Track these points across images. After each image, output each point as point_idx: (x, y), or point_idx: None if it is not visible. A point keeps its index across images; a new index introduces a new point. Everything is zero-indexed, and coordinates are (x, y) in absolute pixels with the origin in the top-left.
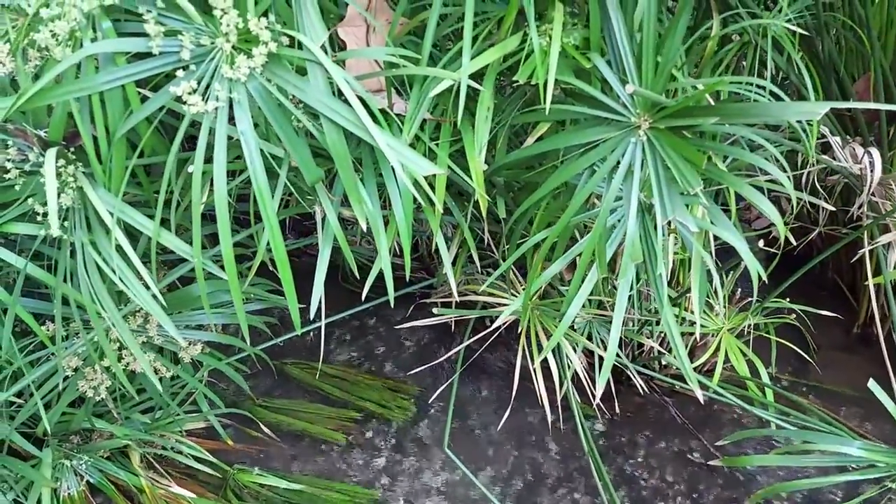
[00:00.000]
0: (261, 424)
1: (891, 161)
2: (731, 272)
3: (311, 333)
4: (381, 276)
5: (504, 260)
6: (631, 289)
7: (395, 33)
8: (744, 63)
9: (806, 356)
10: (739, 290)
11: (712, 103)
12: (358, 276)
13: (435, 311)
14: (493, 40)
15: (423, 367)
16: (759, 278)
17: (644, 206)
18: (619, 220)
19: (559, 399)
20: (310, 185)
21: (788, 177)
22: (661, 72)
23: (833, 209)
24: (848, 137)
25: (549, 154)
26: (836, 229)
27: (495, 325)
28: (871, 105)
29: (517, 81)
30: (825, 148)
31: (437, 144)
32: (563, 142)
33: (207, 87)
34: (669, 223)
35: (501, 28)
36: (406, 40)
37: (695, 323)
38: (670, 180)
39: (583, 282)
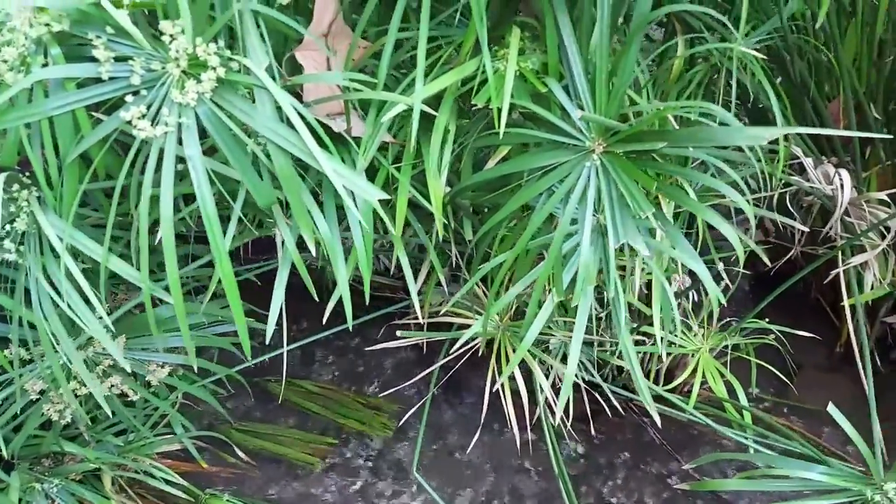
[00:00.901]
0: (236, 448)
1: (867, 181)
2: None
3: (297, 352)
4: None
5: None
6: (603, 309)
7: (357, 56)
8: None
9: (788, 379)
10: (719, 309)
11: (677, 127)
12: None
13: (399, 333)
14: (453, 64)
15: (403, 386)
16: (743, 297)
17: (602, 230)
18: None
19: (537, 420)
20: (263, 208)
21: (748, 199)
22: (614, 96)
23: (806, 229)
24: (823, 158)
25: (514, 176)
26: (816, 248)
27: (458, 346)
28: (839, 132)
29: (476, 105)
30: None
31: (398, 168)
32: (522, 165)
33: (159, 111)
34: (631, 247)
35: (461, 52)
36: (371, 63)
37: (672, 343)
38: (623, 204)
39: (541, 305)
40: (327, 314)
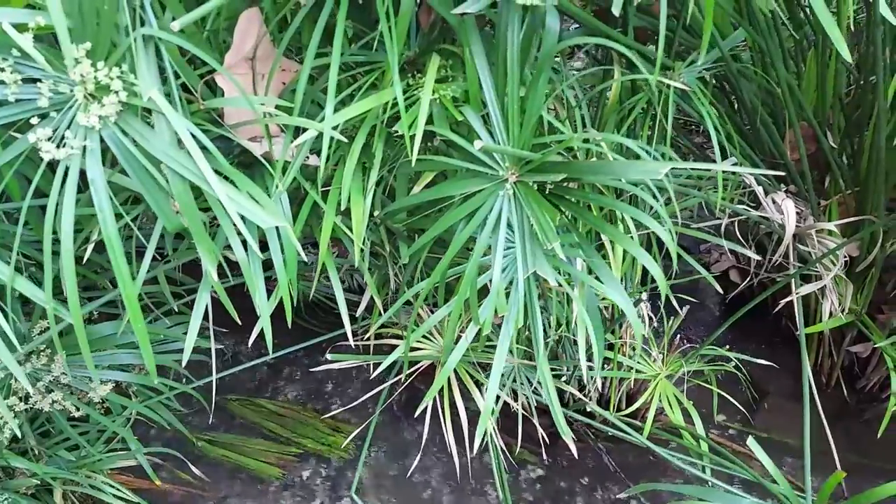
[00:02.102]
0: (192, 466)
1: (826, 210)
2: (673, 318)
3: (263, 367)
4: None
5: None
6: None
7: (288, 80)
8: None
9: (753, 406)
10: (679, 335)
11: (613, 158)
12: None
13: (329, 356)
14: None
15: (368, 406)
16: (713, 321)
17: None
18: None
19: (492, 442)
20: (170, 232)
21: (664, 229)
22: (525, 126)
23: (757, 258)
24: (782, 186)
25: (444, 200)
26: (776, 275)
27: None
28: (741, 171)
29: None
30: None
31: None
32: (442, 192)
33: (66, 133)
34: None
35: (383, 82)
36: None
37: (631, 368)
38: (533, 233)
39: (459, 332)
40: (270, 346)
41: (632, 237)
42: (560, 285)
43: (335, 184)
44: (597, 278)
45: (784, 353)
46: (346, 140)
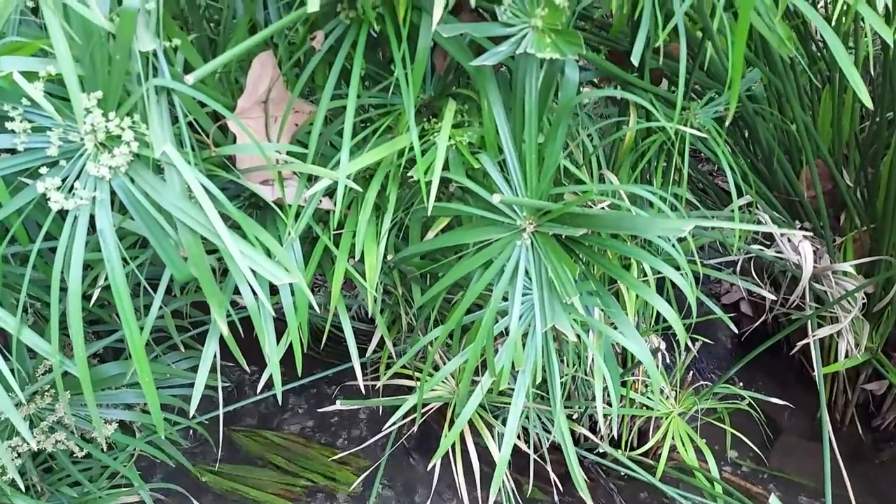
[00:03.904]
0: (194, 501)
1: (843, 247)
2: (685, 354)
3: (269, 399)
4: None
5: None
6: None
7: (300, 122)
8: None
9: (766, 443)
10: (691, 370)
11: (630, 203)
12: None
13: (339, 403)
14: (394, 133)
15: (375, 440)
16: (725, 354)
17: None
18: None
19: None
20: (179, 282)
21: (686, 280)
22: (543, 176)
23: (773, 297)
24: (797, 223)
25: (457, 245)
26: (791, 313)
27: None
28: (737, 226)
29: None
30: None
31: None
32: (457, 240)
33: (76, 182)
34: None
35: (399, 126)
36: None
37: (643, 406)
38: (552, 286)
39: (470, 380)
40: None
41: (646, 280)
42: (578, 337)
43: (348, 227)
44: (613, 325)
45: (797, 390)
46: (360, 190)
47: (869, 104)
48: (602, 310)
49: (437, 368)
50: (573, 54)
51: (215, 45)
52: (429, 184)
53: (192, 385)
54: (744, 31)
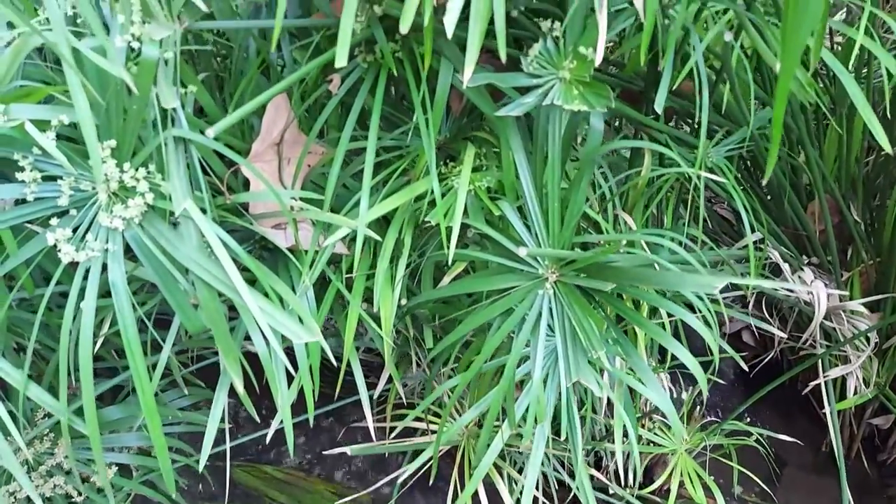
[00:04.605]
0: None
1: (849, 282)
2: (691, 388)
3: (267, 431)
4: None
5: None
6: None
7: (312, 163)
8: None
9: (772, 478)
10: (697, 405)
11: (646, 248)
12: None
13: (349, 451)
14: (410, 176)
15: (376, 474)
16: (730, 387)
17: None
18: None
19: None
20: (192, 334)
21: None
22: (566, 226)
23: (784, 335)
24: (804, 257)
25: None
26: (799, 346)
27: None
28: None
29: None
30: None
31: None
32: (475, 287)
33: (87, 232)
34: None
35: (416, 167)
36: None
37: (650, 442)
38: (576, 339)
39: (492, 433)
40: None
41: (661, 322)
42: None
43: (360, 271)
44: (630, 371)
45: (802, 423)
46: (379, 238)
47: (888, 148)
48: (623, 359)
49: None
50: (602, 107)
51: (222, 80)
52: (449, 230)
53: (190, 422)
54: (783, 100)
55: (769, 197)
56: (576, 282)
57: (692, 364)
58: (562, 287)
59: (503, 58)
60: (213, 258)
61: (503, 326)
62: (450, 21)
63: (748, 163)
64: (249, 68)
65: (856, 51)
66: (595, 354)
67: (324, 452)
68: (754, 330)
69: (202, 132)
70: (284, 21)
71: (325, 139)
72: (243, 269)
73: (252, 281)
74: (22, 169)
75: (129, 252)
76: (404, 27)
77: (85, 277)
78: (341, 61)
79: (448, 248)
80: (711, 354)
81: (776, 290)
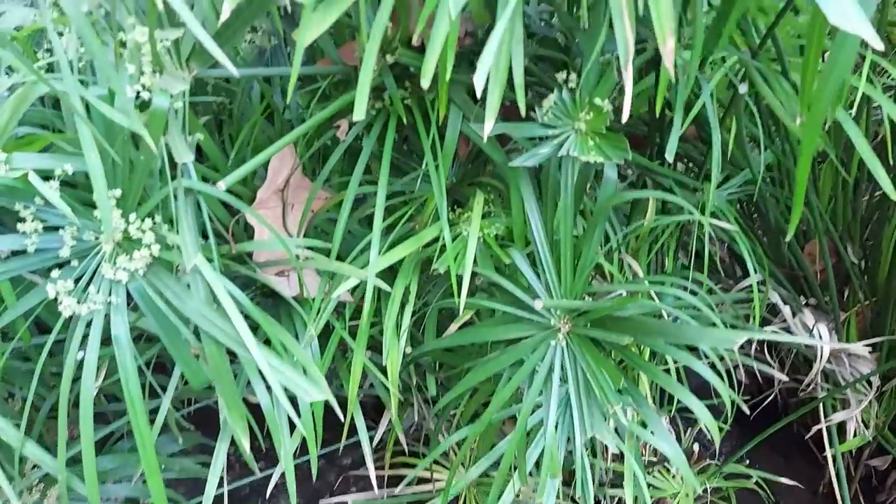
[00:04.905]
0: None
1: (846, 322)
2: (689, 430)
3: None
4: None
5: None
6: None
7: (316, 208)
8: (686, 237)
9: None
10: (698, 448)
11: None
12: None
13: (350, 501)
14: (417, 221)
15: None
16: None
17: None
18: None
19: None
20: (196, 388)
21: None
22: (579, 276)
23: (785, 378)
24: (802, 298)
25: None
26: (798, 386)
27: None
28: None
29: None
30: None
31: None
32: (484, 336)
33: (89, 283)
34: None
35: (423, 213)
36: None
37: (651, 486)
38: (590, 393)
39: (504, 487)
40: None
41: (667, 368)
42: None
43: (364, 319)
44: (642, 423)
45: (799, 462)
46: (389, 289)
47: (894, 196)
48: (636, 410)
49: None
50: (619, 159)
51: (221, 122)
52: (459, 278)
53: (182, 468)
54: (804, 177)
55: (762, 233)
56: (590, 334)
57: (707, 418)
58: (574, 338)
59: (523, 112)
60: (221, 312)
61: (514, 378)
62: (479, 80)
63: (745, 204)
64: (253, 112)
65: (858, 98)
66: (611, 410)
67: (321, 501)
68: (750, 368)
69: (204, 178)
70: (284, 69)
71: (329, 184)
72: (245, 317)
73: (253, 327)
74: (23, 219)
75: (129, 300)
76: (425, 82)
77: (87, 325)
78: (359, 114)
79: (458, 296)
80: (716, 397)
81: (776, 331)
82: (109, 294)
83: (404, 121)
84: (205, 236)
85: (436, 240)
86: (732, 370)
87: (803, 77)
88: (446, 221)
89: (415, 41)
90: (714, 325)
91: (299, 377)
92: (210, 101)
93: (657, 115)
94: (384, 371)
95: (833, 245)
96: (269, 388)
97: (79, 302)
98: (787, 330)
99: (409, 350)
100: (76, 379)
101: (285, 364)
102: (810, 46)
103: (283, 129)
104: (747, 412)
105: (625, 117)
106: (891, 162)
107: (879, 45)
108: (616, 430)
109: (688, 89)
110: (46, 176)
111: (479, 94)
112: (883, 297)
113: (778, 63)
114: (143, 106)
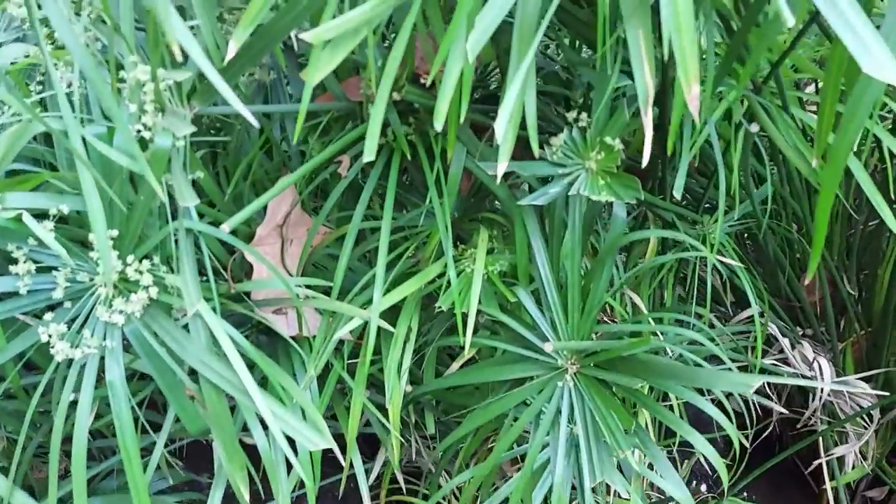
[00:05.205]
0: None
1: (843, 352)
2: (685, 461)
3: None
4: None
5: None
6: None
7: (315, 243)
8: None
9: None
10: (694, 482)
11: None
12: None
13: None
14: (418, 257)
15: None
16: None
17: (577, 445)
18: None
19: None
20: (192, 434)
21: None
22: (586, 316)
23: (784, 411)
24: (799, 329)
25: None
26: (795, 417)
27: None
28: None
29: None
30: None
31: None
32: (488, 376)
33: (83, 325)
34: None
35: (426, 249)
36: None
37: None
38: (599, 437)
39: None
40: None
41: (670, 404)
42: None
43: (362, 358)
44: (650, 465)
45: (793, 492)
46: (392, 329)
47: None
48: (642, 451)
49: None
50: (631, 199)
51: (216, 155)
52: (463, 316)
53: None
54: (821, 236)
55: (758, 264)
56: (600, 375)
57: (716, 458)
58: (582, 379)
59: (536, 153)
60: (222, 357)
61: (520, 419)
62: (500, 128)
63: (741, 233)
64: (251, 146)
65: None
66: (622, 454)
67: None
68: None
69: (200, 214)
70: (291, 105)
71: (328, 218)
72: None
73: (250, 365)
74: (15, 261)
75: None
76: (439, 124)
77: (80, 367)
78: (370, 155)
79: (463, 335)
80: (718, 430)
81: (777, 364)
82: (104, 338)
83: (408, 156)
84: (201, 272)
85: (439, 275)
86: (726, 397)
87: (820, 123)
88: (451, 260)
89: (428, 82)
90: (723, 361)
91: (301, 425)
92: (208, 136)
93: (667, 154)
94: (382, 409)
95: (830, 275)
96: (266, 428)
97: (72, 346)
98: (785, 361)
99: (409, 389)
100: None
101: (288, 412)
102: (826, 93)
103: (283, 163)
104: (747, 445)
105: (645, 162)
106: (892, 195)
107: None
108: (620, 467)
109: (698, 131)
110: (38, 214)
111: (498, 141)
112: (879, 327)
113: (778, 97)
114: (141, 144)
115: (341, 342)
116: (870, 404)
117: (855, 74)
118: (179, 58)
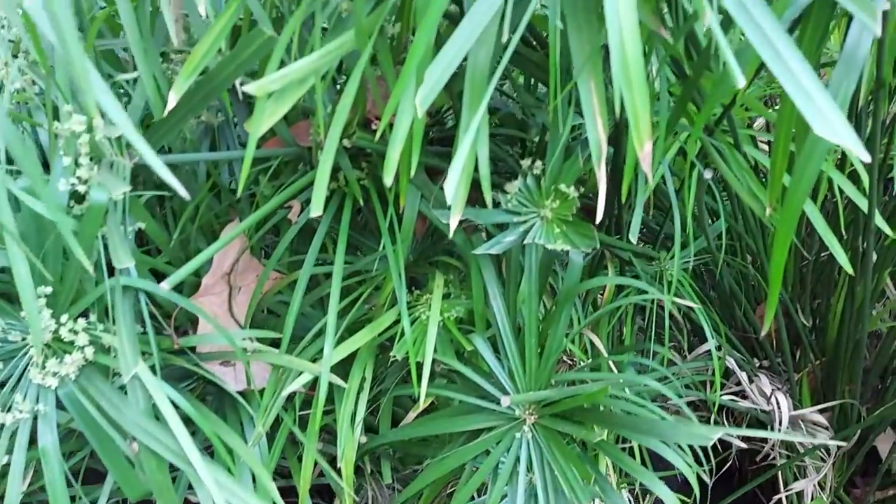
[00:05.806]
0: None
1: (799, 382)
2: (647, 496)
3: None
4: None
5: None
6: None
7: (266, 289)
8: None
9: None
10: None
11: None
12: None
13: None
14: (373, 302)
15: None
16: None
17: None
18: None
19: None
20: (133, 500)
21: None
22: (544, 364)
23: (744, 445)
24: (755, 360)
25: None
26: (758, 450)
27: None
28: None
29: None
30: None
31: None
32: (444, 427)
33: (14, 388)
34: None
35: (380, 296)
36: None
37: None
38: (560, 492)
39: None
40: None
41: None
42: None
43: (314, 409)
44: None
45: None
46: (344, 385)
47: (850, 271)
48: (603, 501)
49: None
50: (587, 247)
51: (163, 199)
52: (419, 366)
53: None
54: (777, 279)
55: (718, 299)
56: (558, 427)
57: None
58: (541, 430)
59: (489, 203)
60: (163, 423)
61: (479, 472)
62: (450, 187)
63: (697, 267)
64: (199, 189)
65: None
66: None
67: None
68: None
69: (145, 255)
70: (237, 153)
71: (279, 262)
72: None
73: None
74: None
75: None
76: (388, 179)
77: (11, 433)
78: (317, 209)
79: (418, 385)
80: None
81: (735, 399)
82: (37, 401)
83: (360, 201)
84: (142, 323)
85: (395, 322)
86: None
87: (772, 169)
88: (405, 308)
89: (378, 133)
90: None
91: (248, 495)
92: (152, 183)
93: (622, 199)
94: (335, 462)
95: (784, 306)
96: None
97: (3, 409)
98: (743, 394)
99: (364, 440)
100: None
101: (232, 481)
102: (778, 144)
103: (231, 206)
104: (707, 482)
105: (599, 215)
106: (843, 235)
107: (867, 158)
108: None
109: (653, 172)
110: None
111: (448, 201)
112: (832, 357)
113: (730, 134)
114: (78, 196)
115: (294, 393)
116: (826, 436)
117: (807, 128)
118: (98, 120)
